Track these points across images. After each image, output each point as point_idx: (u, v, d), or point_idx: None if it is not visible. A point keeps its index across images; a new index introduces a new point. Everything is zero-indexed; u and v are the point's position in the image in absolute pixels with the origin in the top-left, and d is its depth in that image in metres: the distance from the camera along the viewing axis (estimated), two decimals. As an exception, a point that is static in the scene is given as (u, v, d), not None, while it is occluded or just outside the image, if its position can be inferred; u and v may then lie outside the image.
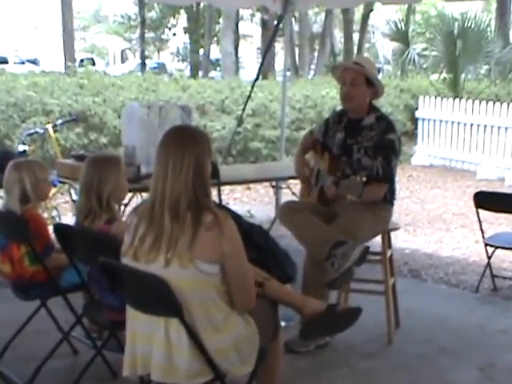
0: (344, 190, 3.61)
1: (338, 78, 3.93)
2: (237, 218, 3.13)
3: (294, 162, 4.17)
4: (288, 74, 12.99)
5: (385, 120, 3.88)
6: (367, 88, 3.84)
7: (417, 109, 12.07)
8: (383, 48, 25.29)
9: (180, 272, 2.35)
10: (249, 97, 7.90)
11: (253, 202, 8.59)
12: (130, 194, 4.89)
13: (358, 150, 3.84)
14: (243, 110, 8.13)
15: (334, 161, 3.89)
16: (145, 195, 4.77)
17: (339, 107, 4.14)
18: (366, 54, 25.27)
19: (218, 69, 23.43)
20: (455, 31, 12.96)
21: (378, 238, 3.99)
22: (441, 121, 11.45)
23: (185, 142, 2.47)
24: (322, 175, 3.94)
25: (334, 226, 3.70)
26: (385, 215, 3.91)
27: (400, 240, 6.46)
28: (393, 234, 4.19)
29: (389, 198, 3.90)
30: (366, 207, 3.74)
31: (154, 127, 5.12)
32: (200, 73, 22.37)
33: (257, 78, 7.82)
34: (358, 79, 3.81)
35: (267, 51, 8.46)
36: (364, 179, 3.56)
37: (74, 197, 6.35)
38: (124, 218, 3.15)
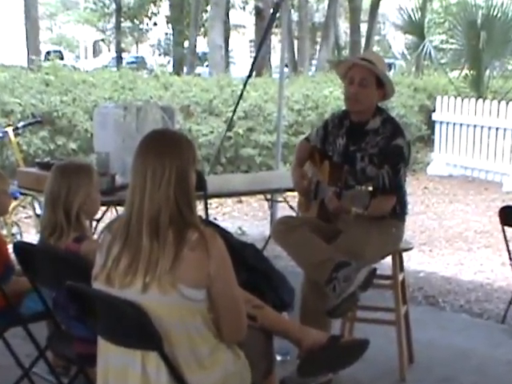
0: (348, 202, 3.63)
1: (343, 75, 3.96)
2: (226, 235, 3.14)
3: (291, 176, 4.20)
4: (286, 70, 13.05)
5: (391, 123, 3.92)
6: (377, 89, 3.88)
7: (434, 111, 12.15)
8: (395, 41, 25.46)
9: (160, 298, 2.36)
10: (240, 96, 7.94)
11: (245, 218, 8.61)
12: (103, 208, 4.89)
13: (362, 157, 3.87)
14: (234, 111, 8.16)
15: (334, 170, 3.91)
16: (120, 209, 4.79)
17: (344, 108, 4.16)
18: (375, 48, 25.45)
19: (206, 64, 23.50)
20: (479, 21, 13.02)
21: (388, 260, 4.01)
22: (461, 124, 11.52)
23: (166, 148, 2.48)
24: (321, 187, 3.97)
25: (336, 245, 3.72)
26: (395, 233, 3.93)
27: (414, 262, 6.49)
28: (405, 255, 4.21)
29: (399, 213, 3.93)
30: (373, 223, 3.77)
31: (130, 131, 5.14)
32: (185, 69, 22.41)
33: (250, 75, 7.87)
34: (369, 79, 3.85)
35: (262, 44, 8.47)
36: (370, 189, 3.59)
37: (39, 211, 6.36)
38: (96, 236, 3.16)
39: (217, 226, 3.60)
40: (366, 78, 3.84)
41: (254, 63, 7.79)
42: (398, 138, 3.83)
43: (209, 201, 8.40)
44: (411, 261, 6.37)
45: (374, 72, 3.84)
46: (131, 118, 5.24)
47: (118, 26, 27.51)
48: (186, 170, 2.49)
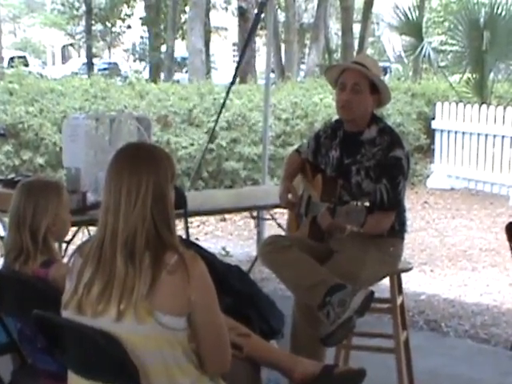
0: (342, 218, 3.64)
1: (334, 81, 3.99)
2: (209, 257, 3.15)
3: (278, 189, 4.22)
4: (272, 76, 13.08)
5: (389, 133, 3.94)
6: (371, 95, 3.90)
7: (433, 118, 12.22)
8: (391, 42, 25.57)
9: (136, 327, 2.36)
10: (223, 105, 7.98)
11: (229, 237, 8.62)
12: (73, 229, 4.89)
13: (358, 171, 3.89)
14: (216, 121, 8.20)
15: (327, 185, 3.93)
16: (92, 230, 4.79)
17: (336, 117, 4.19)
18: (369, 51, 25.60)
19: (185, 70, 23.56)
20: (482, 20, 13.08)
21: (386, 281, 4.02)
22: (463, 133, 11.60)
23: (141, 163, 2.49)
24: (313, 203, 3.98)
25: (329, 266, 3.72)
26: (394, 252, 3.94)
27: (414, 283, 6.51)
28: (404, 276, 4.23)
29: (398, 230, 3.95)
30: (369, 242, 3.78)
31: (103, 144, 5.14)
32: (162, 75, 22.47)
33: (233, 82, 7.90)
34: (362, 84, 3.87)
35: (245, 48, 8.55)
36: (367, 204, 3.60)
37: (2, 233, 6.33)
38: (66, 260, 3.15)
39: (198, 247, 3.61)
40: (358, 83, 3.86)
41: (237, 68, 7.84)
42: (396, 148, 3.85)
43: (190, 219, 8.46)
44: (411, 282, 6.39)
45: (367, 76, 3.87)
46: (104, 130, 5.24)
47: (88, 30, 27.50)
48: (164, 187, 2.49)
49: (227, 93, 7.82)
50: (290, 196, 4.13)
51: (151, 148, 2.64)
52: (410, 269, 4.26)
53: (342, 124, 4.03)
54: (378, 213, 3.77)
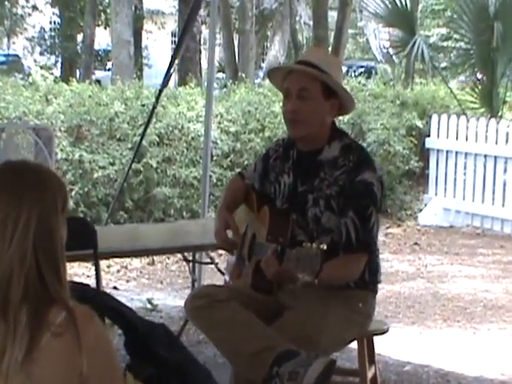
0: (292, 266, 3.59)
1: (279, 85, 4.03)
2: (126, 313, 3.12)
3: (214, 224, 4.21)
4: (220, 76, 13.02)
5: (356, 151, 3.96)
6: (326, 101, 3.92)
7: (428, 135, 12.32)
8: (377, 37, 25.82)
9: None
10: (151, 113, 7.95)
11: (158, 286, 8.59)
12: None
13: (315, 201, 3.89)
14: (143, 134, 8.15)
15: (276, 220, 3.93)
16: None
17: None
18: (349, 47, 25.78)
19: (109, 66, 23.57)
20: (491, 8, 13.24)
21: (354, 346, 4.01)
22: (466, 154, 11.71)
23: (23, 187, 2.46)
24: (257, 244, 3.98)
25: (278, 327, 3.72)
26: (363, 309, 3.95)
27: (396, 349, 6.49)
28: (384, 341, 4.22)
29: (368, 281, 3.96)
30: (331, 296, 3.79)
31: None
32: (78, 73, 22.44)
33: (164, 83, 7.87)
34: (311, 89, 3.90)
35: (182, 38, 8.46)
36: (323, 247, 3.55)
37: None
38: None
39: (107, 299, 3.58)
40: (306, 87, 3.89)
41: (170, 65, 7.79)
42: (364, 171, 3.87)
43: (107, 262, 8.43)
44: (392, 348, 6.37)
45: (316, 77, 3.89)
46: (-12, 144, 5.21)
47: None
48: (52, 220, 2.46)
49: (157, 98, 7.81)
50: (229, 233, 4.11)
51: (37, 168, 2.61)
52: (385, 331, 4.27)
53: (295, 142, 4.05)
54: (343, 257, 3.78)
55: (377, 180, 3.89)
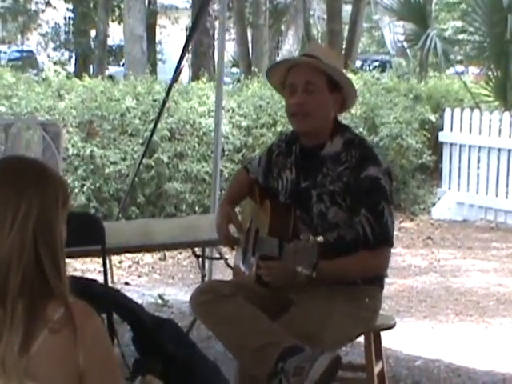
0: (289, 259, 3.57)
1: (280, 84, 4.01)
2: (135, 309, 3.12)
3: (216, 218, 4.21)
4: (234, 71, 13.02)
5: (358, 146, 3.95)
6: (331, 95, 3.91)
7: (441, 129, 12.29)
8: (392, 31, 25.75)
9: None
10: (162, 108, 7.93)
11: (170, 282, 8.59)
12: None
13: (320, 196, 3.89)
14: (153, 129, 8.14)
15: (278, 215, 3.92)
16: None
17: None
18: (364, 40, 25.71)
19: (123, 62, 23.56)
20: (505, 0, 13.14)
21: (361, 341, 4.00)
22: (480, 148, 11.68)
23: (24, 183, 2.46)
24: (260, 238, 3.97)
25: (283, 323, 3.71)
26: (370, 304, 3.94)
27: (408, 344, 6.46)
28: (394, 336, 4.20)
29: (375, 276, 3.95)
30: (337, 291, 3.78)
31: (-6, 157, 5.10)
32: (92, 68, 22.45)
33: (175, 78, 7.86)
34: (317, 82, 3.88)
35: (193, 32, 8.47)
36: (320, 239, 3.52)
37: None
38: None
39: (115, 295, 3.59)
40: (312, 80, 3.88)
41: (180, 61, 7.77)
42: (369, 166, 3.86)
43: (119, 258, 8.43)
44: (404, 343, 6.35)
45: (322, 70, 3.87)
46: (-4, 140, 5.22)
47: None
48: (52, 215, 2.46)
49: (167, 92, 7.79)
50: (231, 227, 4.12)
51: (38, 165, 2.61)
52: (392, 326, 4.25)
53: (298, 136, 4.04)
54: (363, 252, 3.80)
55: (383, 173, 3.89)
